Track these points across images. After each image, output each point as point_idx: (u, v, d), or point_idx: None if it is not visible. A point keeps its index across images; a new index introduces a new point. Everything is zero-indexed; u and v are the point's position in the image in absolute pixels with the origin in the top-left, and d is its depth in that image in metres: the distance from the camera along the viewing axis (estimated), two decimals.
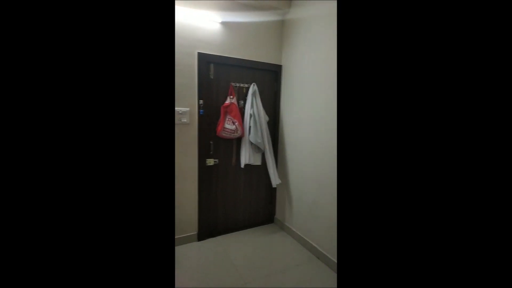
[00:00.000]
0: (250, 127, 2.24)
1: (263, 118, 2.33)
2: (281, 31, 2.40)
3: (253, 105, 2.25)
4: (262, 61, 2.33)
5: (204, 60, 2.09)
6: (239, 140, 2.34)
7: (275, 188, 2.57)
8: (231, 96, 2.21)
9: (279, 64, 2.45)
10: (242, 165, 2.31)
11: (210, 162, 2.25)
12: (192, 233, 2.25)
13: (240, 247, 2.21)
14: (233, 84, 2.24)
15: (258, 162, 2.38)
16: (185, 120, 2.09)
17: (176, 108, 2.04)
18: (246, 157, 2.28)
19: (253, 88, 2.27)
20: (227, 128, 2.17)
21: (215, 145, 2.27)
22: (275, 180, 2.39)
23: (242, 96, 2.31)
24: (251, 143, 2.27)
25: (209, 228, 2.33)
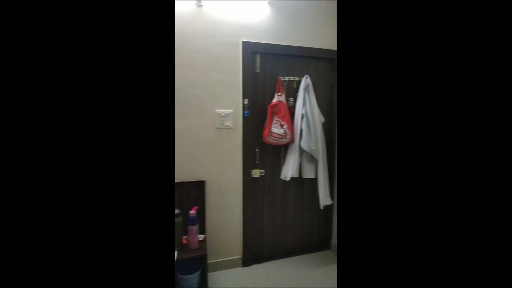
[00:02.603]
0: (301, 130, 1.82)
1: (318, 119, 1.90)
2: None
3: (305, 103, 1.83)
4: (316, 47, 1.92)
5: (249, 51, 1.77)
6: (287, 147, 1.94)
7: (333, 207, 2.10)
8: (279, 93, 1.84)
9: (335, 49, 2.01)
10: (288, 178, 1.86)
11: (256, 173, 1.90)
12: (236, 257, 1.90)
13: (289, 278, 1.79)
14: (281, 78, 1.88)
15: (311, 174, 1.93)
16: (228, 124, 1.78)
17: (218, 110, 1.73)
18: (295, 168, 1.84)
19: (305, 81, 1.86)
20: (274, 133, 1.79)
21: (262, 153, 1.91)
22: (324, 199, 1.87)
23: (292, 92, 1.93)
24: (303, 151, 1.84)
25: (254, 252, 1.96)
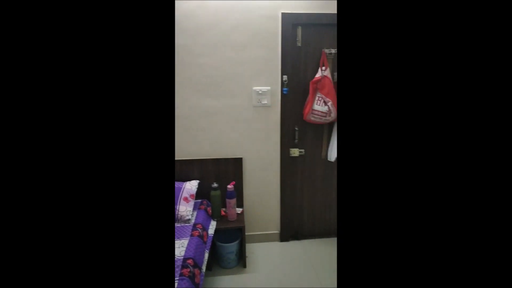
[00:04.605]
0: None
1: None
2: None
3: None
4: None
5: (290, 23, 1.64)
6: (332, 126, 1.81)
7: None
8: (323, 68, 1.68)
9: None
10: (333, 159, 1.78)
11: (295, 152, 1.85)
12: (274, 232, 1.97)
13: (327, 257, 1.78)
14: (326, 51, 1.69)
15: None
16: (266, 102, 1.74)
17: (254, 88, 1.71)
18: None
19: None
20: (316, 110, 1.68)
21: (301, 132, 1.83)
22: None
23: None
24: None
25: (292, 228, 1.99)
